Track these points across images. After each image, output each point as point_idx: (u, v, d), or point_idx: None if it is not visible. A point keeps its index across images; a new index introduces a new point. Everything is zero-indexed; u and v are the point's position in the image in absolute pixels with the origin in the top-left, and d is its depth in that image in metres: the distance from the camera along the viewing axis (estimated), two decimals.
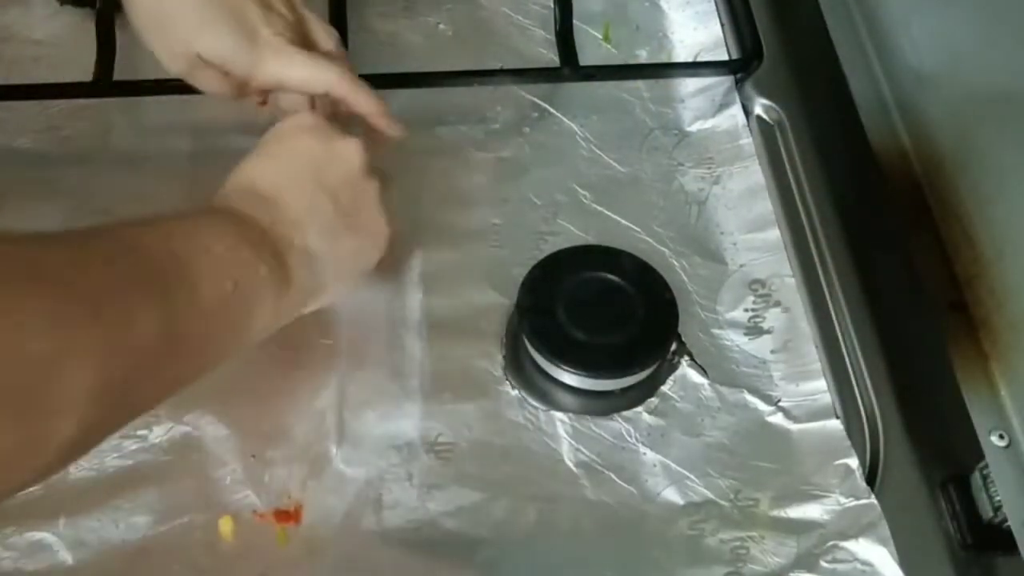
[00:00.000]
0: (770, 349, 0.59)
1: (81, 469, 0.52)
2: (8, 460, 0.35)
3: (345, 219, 0.52)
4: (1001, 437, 0.52)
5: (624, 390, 0.57)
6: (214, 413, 0.55)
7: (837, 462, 0.55)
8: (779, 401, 0.57)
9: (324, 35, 0.60)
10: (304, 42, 0.58)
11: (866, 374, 0.58)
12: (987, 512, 0.53)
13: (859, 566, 0.51)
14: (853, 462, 0.54)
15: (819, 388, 0.57)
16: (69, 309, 0.37)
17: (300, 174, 0.52)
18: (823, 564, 0.51)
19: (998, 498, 0.51)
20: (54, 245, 0.40)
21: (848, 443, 0.55)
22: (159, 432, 0.54)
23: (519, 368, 0.57)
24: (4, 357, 0.34)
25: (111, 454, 0.53)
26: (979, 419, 0.52)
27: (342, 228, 0.52)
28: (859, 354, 0.59)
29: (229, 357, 0.47)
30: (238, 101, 0.59)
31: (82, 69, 0.65)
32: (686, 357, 0.58)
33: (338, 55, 0.60)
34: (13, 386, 0.35)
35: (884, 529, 0.52)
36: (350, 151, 0.53)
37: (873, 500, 0.53)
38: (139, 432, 0.54)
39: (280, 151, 0.53)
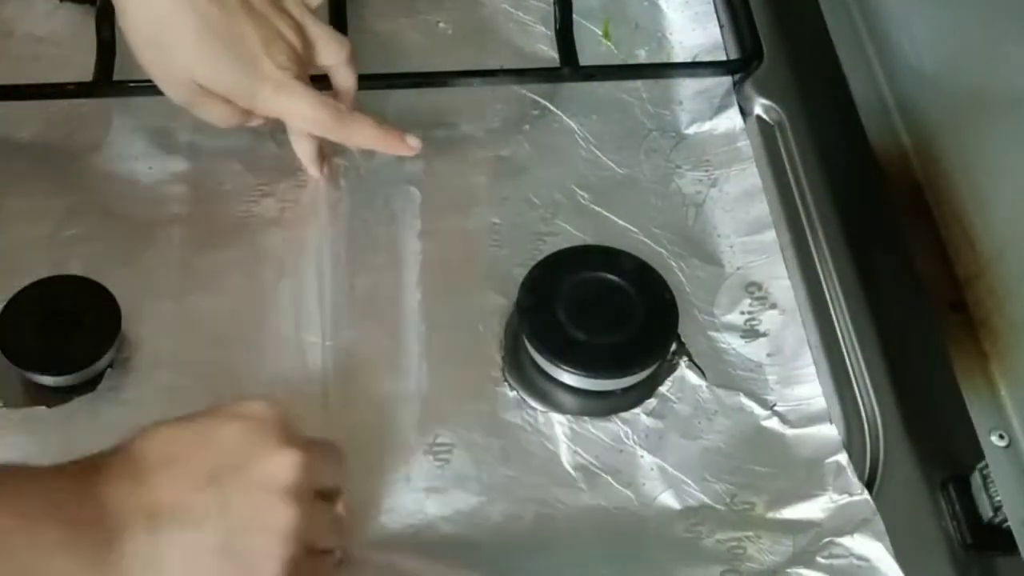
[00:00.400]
0: (766, 352, 0.59)
1: None
2: None
3: (226, 538, 0.41)
4: (1001, 437, 0.52)
5: (624, 390, 0.57)
6: None
7: (830, 461, 0.55)
8: (774, 406, 0.57)
9: (331, 47, 0.59)
10: (307, 60, 0.58)
11: (866, 374, 0.58)
12: (987, 512, 0.53)
13: (855, 561, 0.51)
14: (844, 459, 0.55)
15: (814, 392, 0.57)
16: None
17: (204, 456, 0.42)
18: (820, 560, 0.51)
19: (998, 498, 0.51)
20: None
21: (840, 443, 0.55)
22: None
23: (519, 368, 0.57)
24: None
25: None
26: (979, 419, 0.52)
27: (216, 548, 0.41)
28: (859, 354, 0.59)
29: None
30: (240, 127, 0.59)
31: (82, 68, 0.65)
32: (685, 358, 0.58)
33: (344, 66, 0.60)
34: None
35: (879, 524, 0.52)
36: (280, 460, 0.43)
37: (867, 496, 0.53)
38: None
39: (205, 425, 0.44)
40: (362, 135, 0.59)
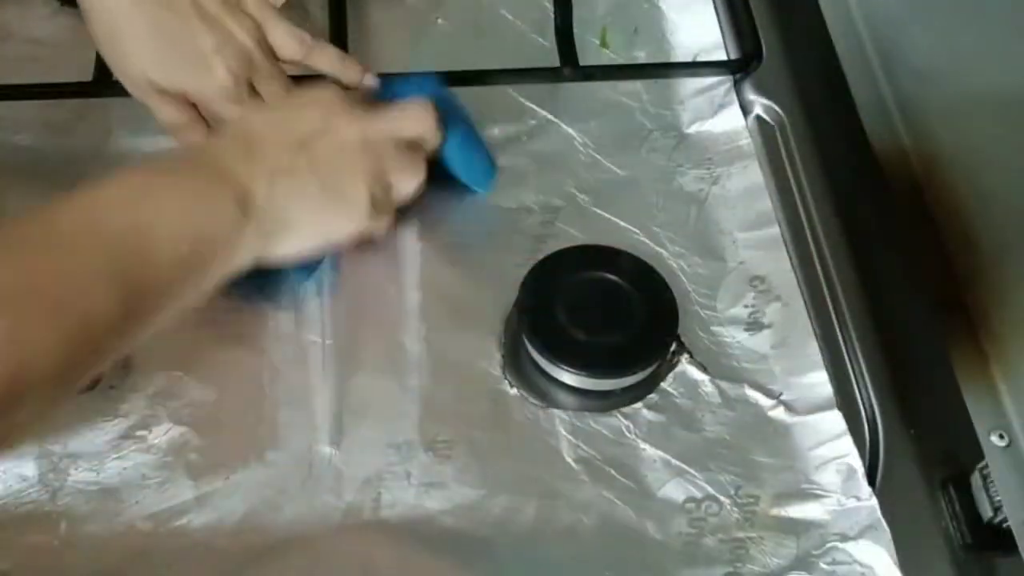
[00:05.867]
0: (770, 344, 0.59)
1: (81, 470, 0.53)
2: None
3: (323, 186, 0.53)
4: (1001, 437, 0.52)
5: (624, 390, 0.57)
6: (213, 414, 0.55)
7: (839, 460, 0.55)
8: (780, 395, 0.57)
9: (289, 44, 0.60)
10: (268, 58, 0.59)
11: (866, 374, 0.58)
12: (987, 512, 0.53)
13: (858, 568, 0.51)
14: (855, 461, 0.54)
15: (820, 379, 0.57)
16: (29, 308, 0.41)
17: (295, 131, 0.53)
18: (822, 566, 0.51)
19: (998, 498, 0.51)
20: (23, 225, 0.44)
21: (849, 437, 0.55)
22: (158, 433, 0.54)
23: (519, 368, 0.57)
24: None
25: (111, 455, 0.53)
26: (979, 419, 0.53)
27: (317, 193, 0.53)
28: (859, 354, 0.59)
29: (188, 304, 0.49)
30: (183, 136, 0.60)
31: (82, 69, 0.65)
32: (686, 355, 0.58)
33: (310, 59, 0.61)
34: None
35: (884, 531, 0.52)
36: (348, 127, 0.54)
37: (874, 502, 0.53)
38: (138, 433, 0.54)
39: (289, 108, 0.56)
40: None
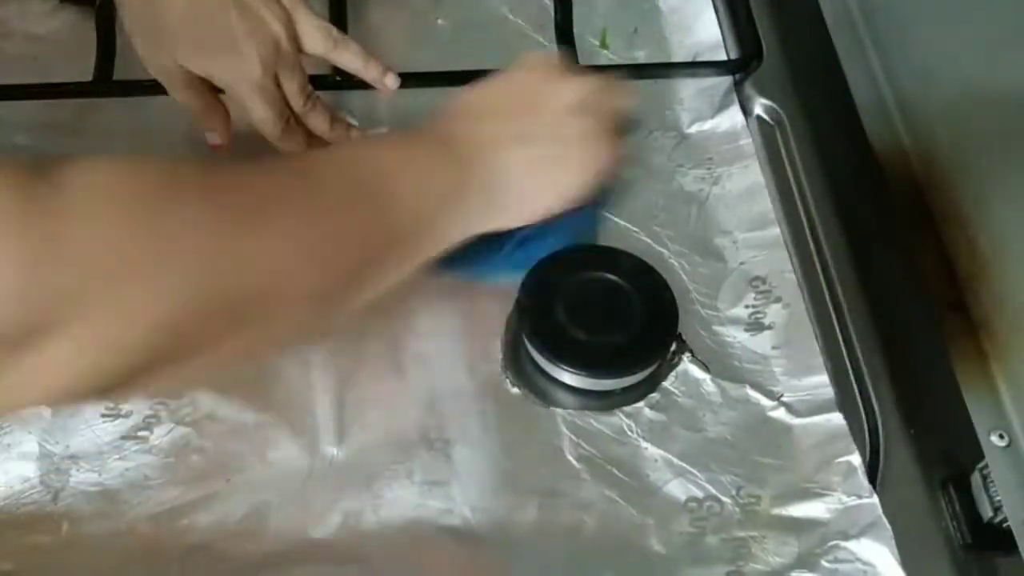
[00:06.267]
0: (772, 344, 0.59)
1: (83, 471, 0.53)
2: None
3: (552, 150, 0.53)
4: (1001, 437, 0.52)
5: (624, 390, 0.57)
6: (214, 414, 0.55)
7: (840, 459, 0.55)
8: (781, 396, 0.57)
9: (316, 37, 0.60)
10: (295, 49, 0.59)
11: (866, 374, 0.58)
12: (987, 512, 0.53)
13: (860, 566, 0.51)
14: (856, 459, 0.54)
15: (822, 382, 0.57)
16: (305, 221, 0.44)
17: (514, 99, 0.54)
18: (824, 564, 0.52)
19: (998, 498, 0.52)
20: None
21: (850, 438, 0.55)
22: (160, 433, 0.54)
23: (519, 368, 0.57)
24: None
25: (112, 456, 0.53)
26: (979, 419, 0.53)
27: (547, 158, 0.53)
28: (859, 354, 0.59)
29: (427, 257, 0.50)
30: (202, 121, 0.61)
31: (82, 69, 0.65)
32: (687, 354, 0.58)
33: (333, 54, 0.61)
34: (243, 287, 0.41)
35: (886, 529, 0.52)
36: (569, 88, 0.54)
37: (875, 499, 0.53)
38: (140, 433, 0.54)
39: (505, 79, 0.55)
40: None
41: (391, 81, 0.63)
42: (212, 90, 0.60)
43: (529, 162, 0.52)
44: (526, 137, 0.52)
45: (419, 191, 0.49)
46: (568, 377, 0.56)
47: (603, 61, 0.71)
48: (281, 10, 0.59)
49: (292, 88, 0.60)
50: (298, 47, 0.60)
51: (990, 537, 0.53)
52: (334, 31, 0.61)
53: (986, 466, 0.52)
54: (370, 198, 0.47)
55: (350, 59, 0.62)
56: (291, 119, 0.61)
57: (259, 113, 0.59)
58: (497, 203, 0.52)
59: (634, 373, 0.56)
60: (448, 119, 0.53)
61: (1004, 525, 0.51)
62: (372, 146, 0.52)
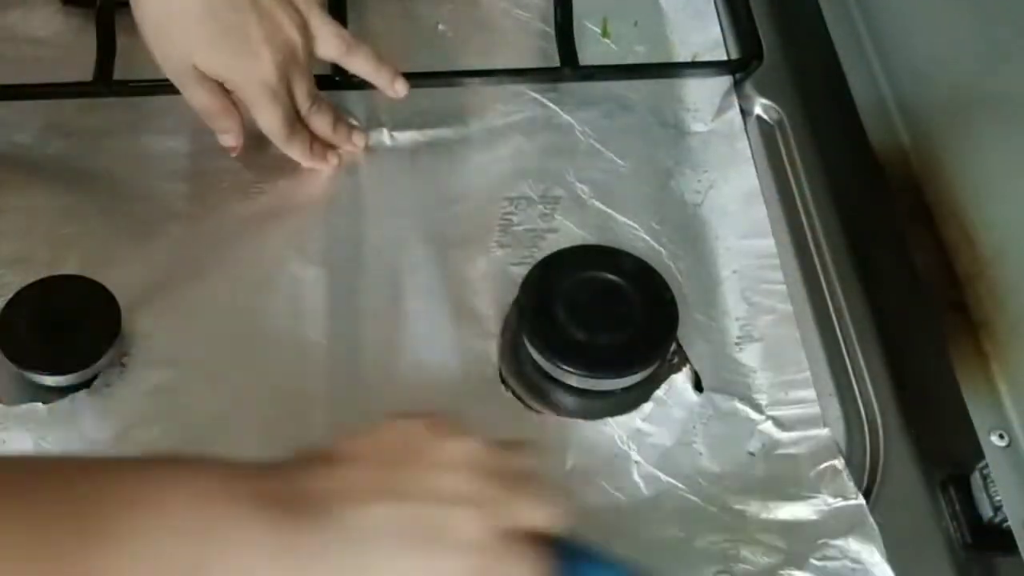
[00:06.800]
0: (761, 357, 0.59)
1: None
2: None
3: (426, 531, 0.39)
4: (1001, 437, 0.52)
5: (623, 390, 0.57)
6: (212, 414, 0.55)
7: (825, 465, 0.55)
8: (769, 410, 0.57)
9: (331, 42, 0.61)
10: (309, 53, 0.59)
11: (866, 374, 0.58)
12: (987, 512, 0.53)
13: (849, 563, 0.51)
14: (840, 464, 0.54)
15: (808, 397, 0.57)
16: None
17: (392, 451, 0.42)
18: (813, 562, 0.51)
19: (998, 498, 0.51)
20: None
21: (835, 447, 0.55)
22: (156, 432, 0.54)
23: (518, 368, 0.57)
24: None
25: (109, 454, 0.53)
26: (979, 419, 0.52)
27: (408, 525, 0.39)
28: (859, 354, 0.59)
29: None
30: (214, 122, 0.61)
31: (82, 69, 0.65)
32: (687, 366, 0.58)
33: (345, 60, 0.61)
34: None
35: (872, 527, 0.52)
36: (458, 449, 0.42)
37: (861, 501, 0.53)
38: (135, 432, 0.54)
39: (386, 428, 0.44)
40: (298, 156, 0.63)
41: (401, 88, 0.63)
42: (226, 92, 0.60)
43: (389, 528, 0.39)
44: (398, 492, 0.40)
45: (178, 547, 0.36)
46: (568, 377, 0.56)
47: (604, 51, 0.71)
48: (297, 15, 0.59)
49: (301, 92, 0.60)
50: (311, 51, 0.60)
51: (990, 537, 0.52)
52: (348, 35, 0.61)
53: (986, 466, 0.52)
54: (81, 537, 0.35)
55: (362, 64, 0.62)
56: (296, 122, 0.61)
57: (267, 116, 0.59)
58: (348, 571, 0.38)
59: (634, 373, 0.56)
60: (306, 463, 0.41)
61: (1004, 525, 0.51)
62: (198, 519, 0.37)
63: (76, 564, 0.35)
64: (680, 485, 0.54)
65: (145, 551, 0.36)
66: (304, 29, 0.59)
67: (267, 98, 0.59)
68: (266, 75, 0.58)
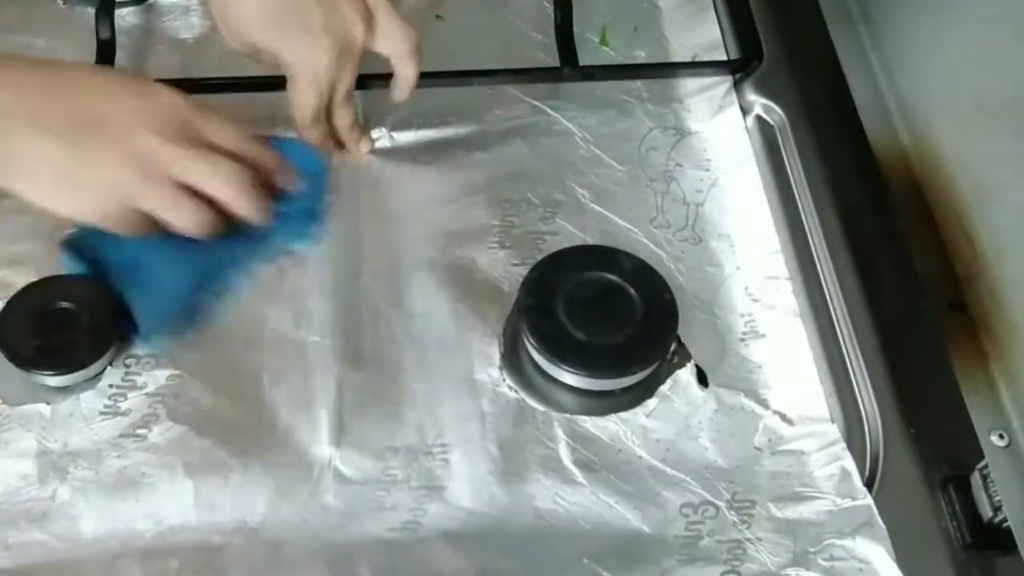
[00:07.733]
0: (766, 353, 0.59)
1: (80, 468, 0.52)
2: None
3: (68, 152, 0.49)
4: (1001, 437, 0.52)
5: (624, 390, 0.57)
6: (213, 414, 0.55)
7: (833, 464, 0.55)
8: (775, 405, 0.57)
9: (395, 37, 0.60)
10: (368, 46, 0.60)
11: (866, 374, 0.58)
12: (987, 512, 0.53)
13: (856, 563, 0.51)
14: (849, 464, 0.54)
15: (814, 392, 0.57)
16: None
17: (83, 104, 0.50)
18: (820, 562, 0.51)
19: (998, 498, 0.51)
20: None
21: (843, 445, 0.55)
22: (158, 432, 0.54)
23: (519, 368, 0.57)
24: None
25: (111, 454, 0.53)
26: (979, 419, 0.53)
27: (58, 155, 0.49)
28: (859, 354, 0.59)
29: None
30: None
31: None
32: (688, 361, 0.58)
33: (405, 57, 0.61)
34: None
35: (880, 528, 0.52)
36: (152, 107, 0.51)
37: (869, 500, 0.53)
38: (138, 432, 0.54)
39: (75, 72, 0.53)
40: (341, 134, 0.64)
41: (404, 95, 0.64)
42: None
43: (38, 149, 0.49)
44: (50, 122, 0.49)
45: None
46: (568, 377, 0.56)
47: (603, 59, 0.71)
48: (363, 6, 0.59)
49: (343, 84, 0.60)
50: (369, 46, 0.60)
51: (990, 537, 0.52)
52: (415, 36, 0.61)
53: (986, 466, 0.52)
54: None
55: (413, 69, 0.62)
56: (323, 111, 0.61)
57: (303, 98, 0.60)
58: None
59: (634, 373, 0.56)
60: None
61: (1004, 525, 0.51)
62: None
63: None
64: (685, 480, 0.54)
65: None
66: (369, 23, 0.59)
67: (309, 81, 0.59)
68: (319, 62, 0.58)
